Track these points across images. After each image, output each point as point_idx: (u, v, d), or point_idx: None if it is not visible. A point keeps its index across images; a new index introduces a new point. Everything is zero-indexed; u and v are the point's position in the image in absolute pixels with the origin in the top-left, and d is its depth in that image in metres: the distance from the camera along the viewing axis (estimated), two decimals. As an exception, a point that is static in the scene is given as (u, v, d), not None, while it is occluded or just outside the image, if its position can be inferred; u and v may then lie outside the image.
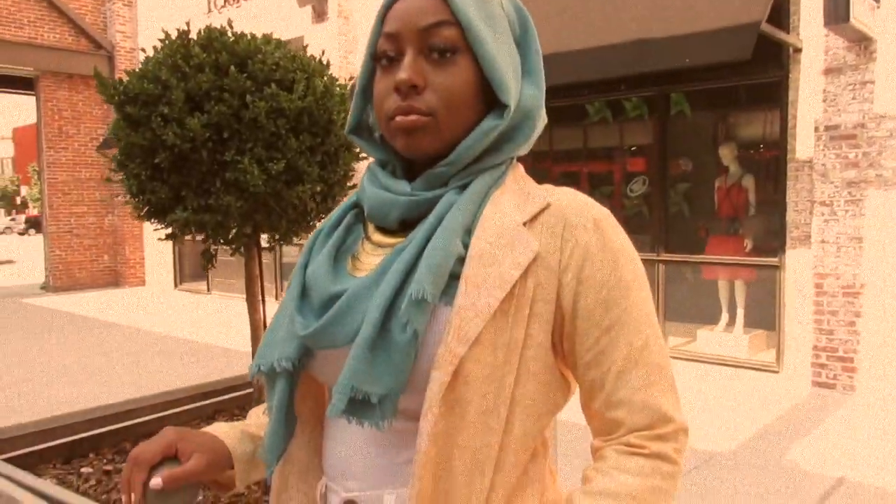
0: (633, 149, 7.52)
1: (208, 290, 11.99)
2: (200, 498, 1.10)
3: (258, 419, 1.05)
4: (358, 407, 0.83)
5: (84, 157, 13.18)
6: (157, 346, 7.82)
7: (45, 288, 13.14)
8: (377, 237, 0.96)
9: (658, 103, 6.96)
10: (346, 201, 1.02)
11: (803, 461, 4.15)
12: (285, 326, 0.94)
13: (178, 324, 9.27)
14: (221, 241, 2.76)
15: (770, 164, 6.45)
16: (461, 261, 0.86)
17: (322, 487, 0.97)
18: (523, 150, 0.96)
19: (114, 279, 13.51)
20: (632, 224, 7.30)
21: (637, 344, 0.86)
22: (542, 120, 0.96)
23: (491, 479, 0.84)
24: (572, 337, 0.87)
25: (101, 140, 12.83)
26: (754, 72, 6.03)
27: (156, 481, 0.87)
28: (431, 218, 0.88)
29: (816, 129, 5.58)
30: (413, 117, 0.87)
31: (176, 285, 12.81)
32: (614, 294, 0.87)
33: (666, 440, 0.85)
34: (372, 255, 0.94)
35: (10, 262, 21.30)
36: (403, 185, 0.92)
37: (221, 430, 1.00)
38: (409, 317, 0.82)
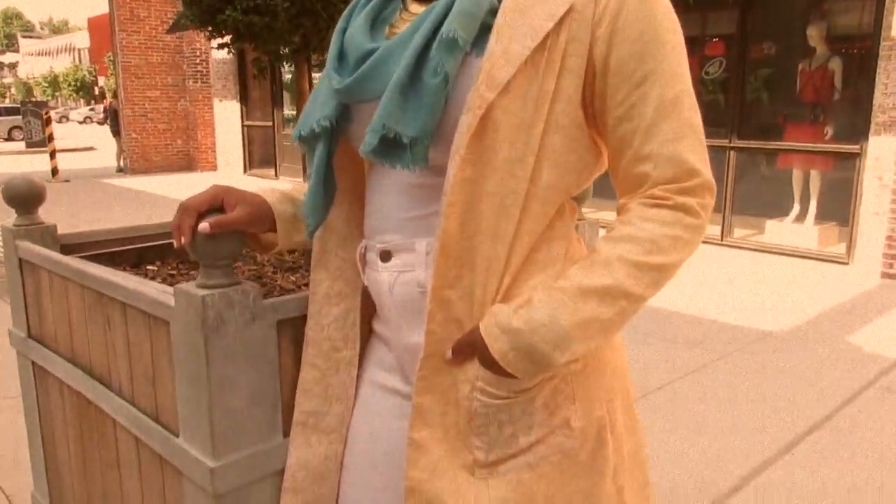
0: (713, 33, 7.10)
1: (276, 175, 12.26)
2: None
3: (300, 188, 1.09)
4: (390, 147, 0.85)
5: (155, 42, 13.35)
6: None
7: (122, 171, 13.68)
8: (414, 7, 0.95)
9: (743, -23, 6.48)
10: None
11: (864, 343, 4.07)
12: (323, 91, 0.96)
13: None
14: (272, 53, 2.76)
15: (861, 44, 6.00)
16: (494, 13, 0.85)
17: (361, 249, 1.01)
18: None
19: (187, 163, 13.93)
20: (705, 110, 6.98)
21: (668, 97, 0.84)
22: None
23: (516, 226, 0.85)
24: (603, 93, 0.86)
25: (171, 23, 12.91)
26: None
27: (203, 225, 0.92)
28: None
29: (917, 1, 5.12)
30: None
31: (245, 170, 13.13)
32: (649, 48, 0.84)
33: (691, 194, 0.84)
34: (408, 23, 0.93)
35: (91, 148, 22.16)
36: None
37: (264, 191, 1.05)
38: (440, 59, 0.82)
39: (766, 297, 5.10)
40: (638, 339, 4.13)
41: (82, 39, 70.41)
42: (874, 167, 5.73)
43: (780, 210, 6.62)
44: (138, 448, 1.18)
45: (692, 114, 0.85)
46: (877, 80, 5.59)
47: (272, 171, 12.36)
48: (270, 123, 12.54)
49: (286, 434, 1.05)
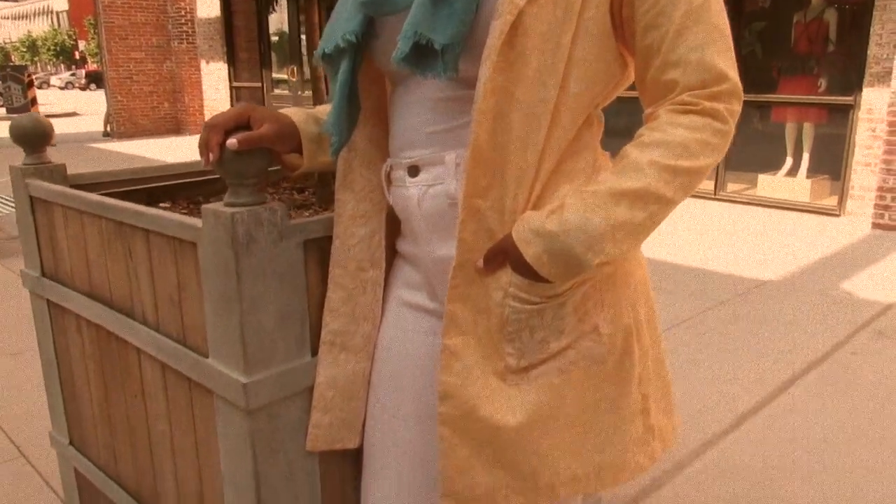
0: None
1: (265, 136, 12.12)
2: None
3: (324, 109, 1.09)
4: (421, 56, 0.85)
5: (138, 1, 13.06)
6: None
7: (109, 134, 13.50)
8: None
9: (737, -73, 6.41)
10: None
11: (856, 290, 4.14)
12: (348, 7, 0.95)
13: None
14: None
15: (856, -6, 5.96)
16: None
17: (386, 168, 1.02)
18: None
19: (175, 126, 13.76)
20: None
21: (696, 2, 0.84)
22: None
23: (546, 135, 0.86)
24: (632, 2, 0.86)
25: (153, -19, 12.62)
26: None
27: (231, 142, 0.92)
28: None
29: (913, -52, 5.08)
30: None
31: (234, 132, 12.98)
32: None
33: (719, 99, 0.85)
34: None
35: (73, 113, 21.81)
36: None
37: (290, 111, 1.05)
38: None
39: (760, 248, 5.15)
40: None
41: (60, 2, 68.74)
42: (867, 119, 5.76)
43: (773, 164, 6.65)
44: (164, 374, 1.19)
45: (720, 18, 0.86)
46: (871, 30, 5.58)
47: (261, 133, 12.22)
48: (259, 84, 12.37)
49: (314, 353, 1.06)
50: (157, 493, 1.33)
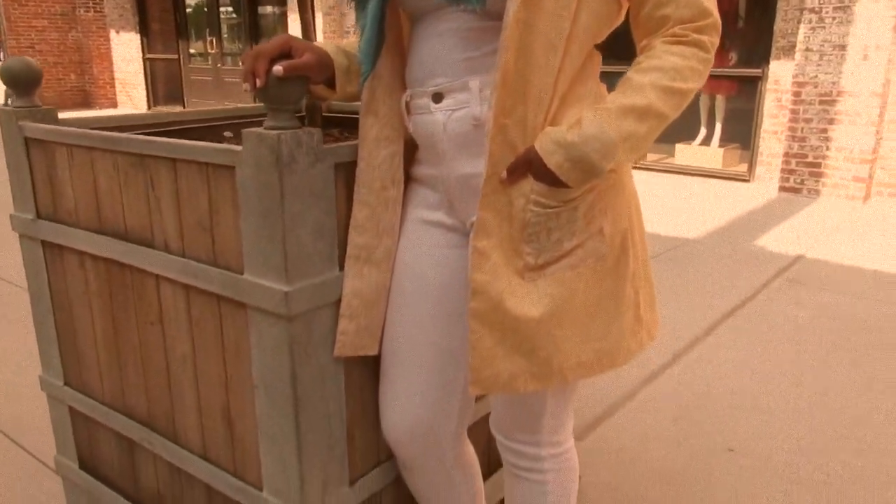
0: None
1: (184, 108, 11.77)
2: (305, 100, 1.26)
3: (350, 44, 1.19)
4: None
5: (39, -34, 12.33)
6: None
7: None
8: None
9: None
10: None
11: (767, 244, 4.52)
12: None
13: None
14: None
15: (763, -28, 6.37)
16: None
17: (406, 97, 1.13)
18: None
19: (83, 99, 13.13)
20: (620, 39, 7.25)
21: None
22: None
23: (560, 61, 1.00)
24: None
25: (55, -55, 11.94)
26: None
27: (277, 69, 1.01)
28: None
29: (815, -70, 5.49)
30: None
31: (149, 106, 12.53)
32: None
33: (704, 32, 1.01)
34: None
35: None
36: None
37: (321, 43, 1.14)
38: None
39: (678, 212, 5.50)
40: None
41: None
42: (774, 89, 6.18)
43: (689, 134, 7.05)
44: (188, 296, 1.27)
45: None
46: (777, 6, 5.98)
47: (179, 108, 11.86)
48: (176, 56, 11.97)
49: (341, 267, 1.17)
50: (172, 417, 1.40)
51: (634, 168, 7.10)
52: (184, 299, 1.28)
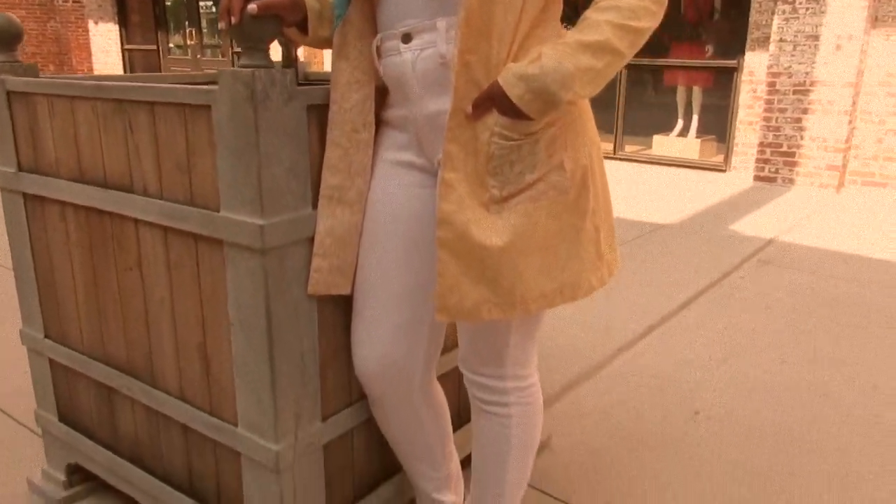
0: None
1: (164, 101, 11.71)
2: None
3: None
4: None
5: (16, -45, 12.21)
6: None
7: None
8: None
9: None
10: None
11: (742, 229, 4.61)
12: None
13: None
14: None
15: (739, -34, 6.48)
16: None
17: (377, 42, 1.18)
18: None
19: (62, 90, 13.00)
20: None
21: None
22: None
23: (522, 4, 1.05)
24: None
25: (34, -66, 11.84)
26: None
27: (252, 6, 1.05)
28: None
29: (789, -77, 5.60)
30: None
31: (129, 97, 12.43)
32: None
33: None
34: None
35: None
36: None
37: None
38: None
39: (656, 200, 5.59)
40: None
41: (-85, -41, 62.38)
42: (749, 80, 6.30)
43: (666, 126, 7.15)
44: (166, 238, 1.31)
45: None
46: (752, -1, 6.08)
47: (160, 98, 11.79)
48: (155, 47, 11.91)
49: (314, 207, 1.22)
50: (151, 361, 1.44)
51: (610, 158, 7.21)
52: (162, 242, 1.32)
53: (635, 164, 7.07)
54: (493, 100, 1.06)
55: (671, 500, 1.84)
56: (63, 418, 1.74)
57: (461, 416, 1.74)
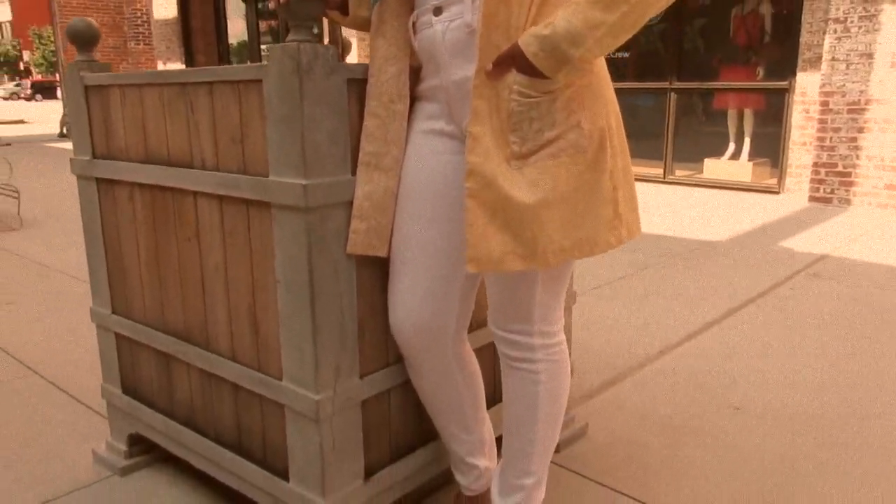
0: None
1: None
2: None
3: None
4: None
5: (95, 2, 13.07)
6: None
7: (65, 135, 13.40)
8: None
9: (680, -74, 6.88)
10: None
11: (794, 246, 4.55)
12: None
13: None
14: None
15: (788, -12, 6.48)
16: None
17: (413, 18, 1.29)
18: None
19: (132, 127, 13.69)
20: (647, 57, 7.41)
21: None
22: None
23: None
24: None
25: (111, -18, 12.66)
26: None
27: (300, -13, 1.18)
28: None
29: (837, -57, 5.60)
30: None
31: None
32: None
33: None
34: None
35: (21, 121, 21.45)
36: None
37: None
38: None
39: (707, 219, 5.56)
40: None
41: (3, 13, 67.07)
42: (801, 101, 6.24)
43: (717, 150, 7.12)
44: (221, 207, 1.43)
45: None
46: (802, 19, 6.08)
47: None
48: (219, 84, 12.48)
49: (353, 173, 1.33)
50: (205, 326, 1.56)
51: (660, 181, 7.19)
52: (218, 211, 1.45)
53: (686, 187, 7.04)
54: (513, 58, 1.15)
55: (708, 486, 1.85)
56: (126, 390, 1.88)
57: (496, 395, 1.81)
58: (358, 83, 1.32)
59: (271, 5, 1.21)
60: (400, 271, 1.37)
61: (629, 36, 1.16)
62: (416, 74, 1.37)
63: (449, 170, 1.32)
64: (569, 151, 1.19)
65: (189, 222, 1.53)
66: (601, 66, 1.26)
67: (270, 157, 1.29)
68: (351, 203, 1.32)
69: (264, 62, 1.26)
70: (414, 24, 1.30)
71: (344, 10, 1.35)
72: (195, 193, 1.49)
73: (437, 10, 1.24)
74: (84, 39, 1.72)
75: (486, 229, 1.19)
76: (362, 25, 1.38)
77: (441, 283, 1.36)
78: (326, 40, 1.63)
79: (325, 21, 1.48)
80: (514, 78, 1.17)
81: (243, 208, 1.39)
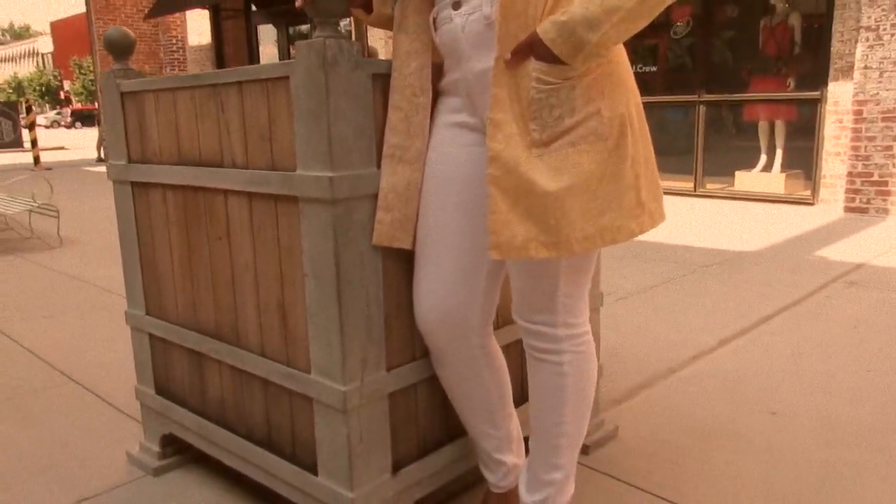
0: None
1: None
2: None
3: None
4: None
5: (131, 30, 13.48)
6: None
7: (102, 160, 13.75)
8: None
9: (707, -60, 6.87)
10: None
11: (830, 255, 4.47)
12: None
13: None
14: None
15: (818, -2, 6.42)
16: None
17: (434, 14, 1.32)
18: None
19: (168, 151, 14.01)
20: (675, 71, 7.38)
21: None
22: None
23: None
24: None
25: (147, 10, 13.04)
26: None
27: (326, -16, 1.22)
28: None
29: (867, -49, 5.55)
30: None
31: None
32: None
33: None
34: None
35: (62, 147, 22.09)
36: None
37: None
38: None
39: (740, 231, 5.49)
40: (628, 262, 4.50)
41: (45, 44, 69.42)
42: (834, 111, 6.16)
43: (749, 162, 7.03)
44: (251, 204, 1.46)
45: None
46: (833, 28, 6.02)
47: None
48: (251, 108, 12.72)
49: (378, 167, 1.35)
50: (236, 323, 1.59)
51: (690, 195, 7.12)
52: (247, 208, 1.48)
53: (717, 200, 6.96)
54: (532, 46, 1.17)
55: (741, 488, 1.82)
56: (159, 391, 1.91)
57: (523, 394, 1.80)
58: (382, 78, 1.34)
59: (298, 3, 1.24)
60: (424, 262, 1.38)
61: (647, 22, 1.17)
62: (438, 70, 1.39)
63: (472, 161, 1.33)
64: (589, 139, 1.19)
65: (219, 221, 1.56)
66: (621, 54, 1.27)
67: (298, 151, 1.32)
68: (376, 196, 1.34)
69: (290, 61, 1.30)
70: (434, 19, 1.32)
71: (367, 8, 1.39)
72: (225, 192, 1.53)
73: (456, 5, 1.27)
74: (120, 48, 1.78)
75: (509, 216, 1.20)
76: (385, 23, 1.41)
77: (465, 274, 1.36)
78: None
79: (352, 21, 1.52)
80: (533, 65, 1.18)
81: (272, 204, 1.42)
